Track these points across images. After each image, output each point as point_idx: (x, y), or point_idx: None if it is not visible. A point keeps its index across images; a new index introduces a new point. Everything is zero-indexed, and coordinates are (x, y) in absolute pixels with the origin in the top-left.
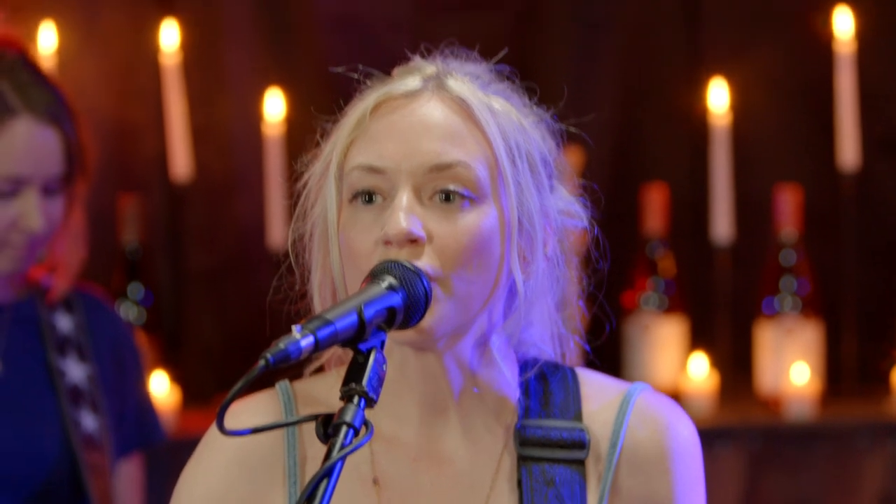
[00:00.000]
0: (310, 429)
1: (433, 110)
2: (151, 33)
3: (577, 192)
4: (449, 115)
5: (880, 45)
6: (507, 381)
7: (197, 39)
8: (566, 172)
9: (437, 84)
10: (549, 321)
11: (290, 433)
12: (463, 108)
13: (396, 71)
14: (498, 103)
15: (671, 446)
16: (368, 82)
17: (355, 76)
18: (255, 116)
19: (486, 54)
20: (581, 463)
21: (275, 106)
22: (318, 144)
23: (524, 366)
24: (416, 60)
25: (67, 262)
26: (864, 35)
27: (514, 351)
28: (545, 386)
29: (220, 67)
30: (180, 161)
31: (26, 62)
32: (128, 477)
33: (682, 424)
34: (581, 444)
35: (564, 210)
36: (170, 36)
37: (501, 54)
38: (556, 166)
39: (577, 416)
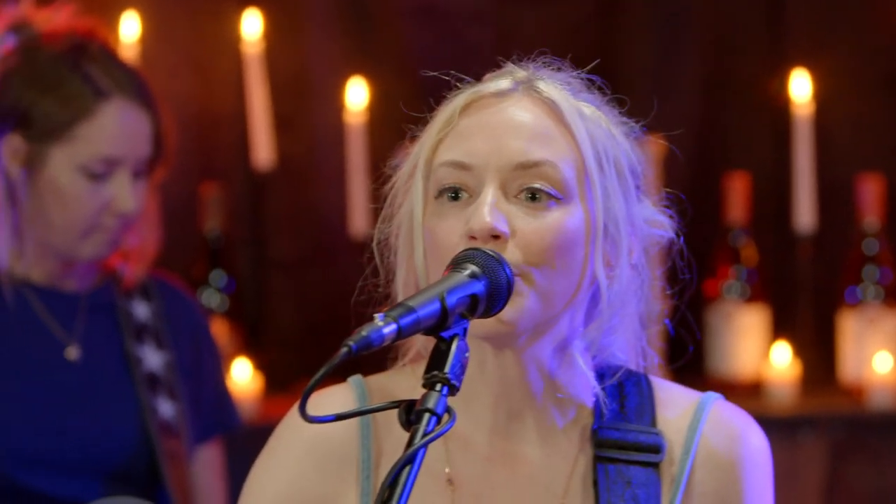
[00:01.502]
0: (384, 423)
1: (523, 110)
2: (233, 22)
3: (663, 202)
4: (538, 116)
5: None
6: (584, 385)
7: (279, 28)
8: (653, 184)
9: (528, 86)
10: (633, 332)
11: (364, 427)
12: (553, 109)
13: (488, 75)
14: (588, 109)
15: (743, 454)
16: (458, 84)
17: (441, 74)
18: (337, 105)
19: (566, 45)
20: (656, 467)
21: (357, 95)
22: (406, 146)
23: (601, 372)
24: (508, 65)
25: (142, 249)
26: None
27: (593, 357)
28: (621, 390)
29: (302, 56)
30: (262, 149)
31: (108, 48)
32: (208, 462)
33: (755, 434)
34: (657, 448)
35: (651, 220)
36: (252, 25)
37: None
38: (643, 177)
39: (653, 421)
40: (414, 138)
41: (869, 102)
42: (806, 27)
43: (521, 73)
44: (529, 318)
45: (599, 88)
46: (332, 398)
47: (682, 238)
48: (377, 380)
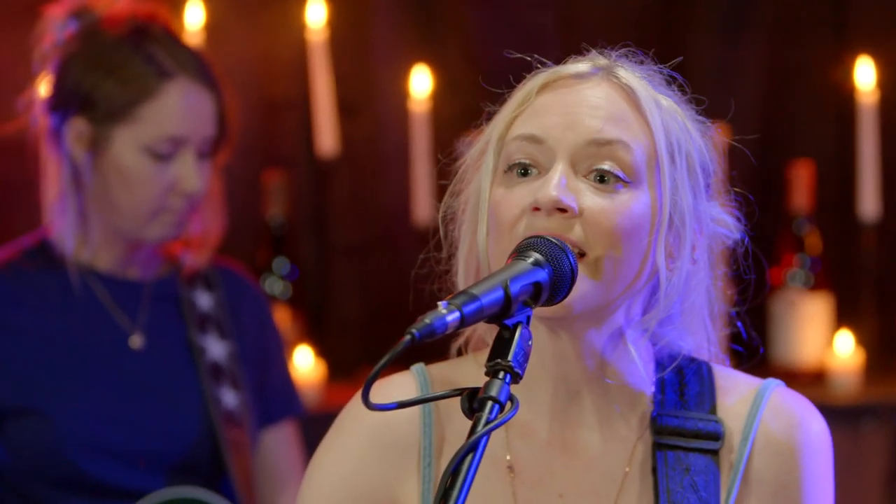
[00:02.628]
0: (446, 411)
1: (600, 92)
2: (298, 9)
3: (731, 202)
4: (615, 99)
5: None
6: (640, 373)
7: (343, 15)
8: (722, 183)
9: (608, 71)
10: (696, 326)
11: (426, 415)
12: (630, 95)
13: (570, 59)
14: (665, 101)
15: (803, 441)
16: (539, 66)
17: (504, 54)
18: (401, 93)
19: (629, 31)
20: (715, 454)
21: (421, 83)
22: (482, 124)
23: (662, 361)
24: (591, 53)
25: (205, 236)
26: None
27: (654, 346)
28: (681, 377)
29: (366, 44)
30: (326, 137)
31: (170, 31)
32: (281, 443)
33: (815, 421)
34: (716, 436)
35: (717, 219)
36: (317, 12)
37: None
38: (714, 178)
39: (713, 408)
40: (489, 117)
41: None
42: (870, 15)
43: (602, 60)
44: (587, 302)
45: (680, 87)
46: (394, 386)
47: (747, 239)
48: (439, 368)
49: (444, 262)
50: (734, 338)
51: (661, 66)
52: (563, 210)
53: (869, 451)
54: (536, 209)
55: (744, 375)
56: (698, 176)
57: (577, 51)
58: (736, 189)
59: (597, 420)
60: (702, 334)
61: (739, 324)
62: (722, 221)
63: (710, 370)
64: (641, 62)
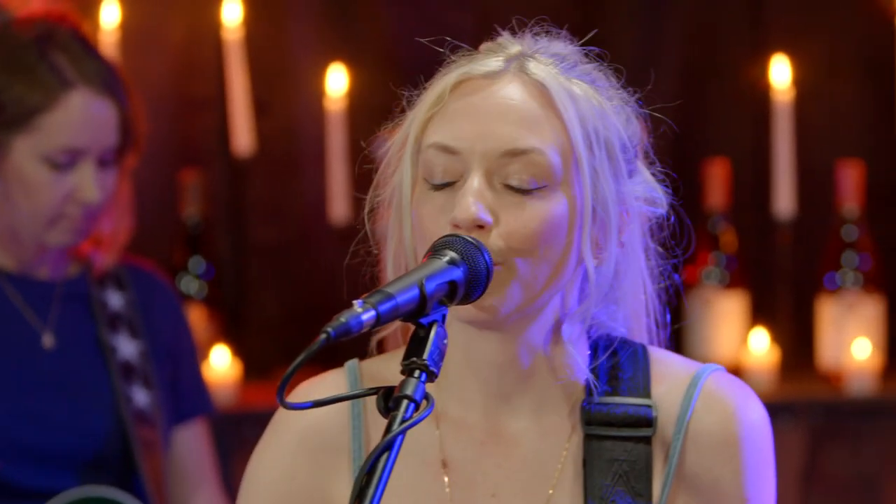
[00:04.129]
0: (376, 411)
1: (512, 93)
2: (214, 8)
3: (658, 176)
4: (527, 100)
5: None
6: (577, 364)
7: (259, 14)
8: (647, 155)
9: (519, 66)
10: (635, 305)
11: (355, 416)
12: (543, 92)
13: (483, 47)
14: (580, 87)
15: (739, 430)
16: (452, 58)
17: (421, 47)
18: (317, 91)
19: (546, 31)
20: (647, 441)
21: (337, 81)
22: (398, 119)
23: (597, 344)
24: (504, 37)
25: (114, 236)
26: None
27: (589, 329)
28: (615, 362)
29: (282, 42)
30: (242, 135)
31: (78, 36)
32: (192, 442)
33: (752, 408)
34: (647, 422)
35: (643, 196)
36: (232, 11)
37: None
38: (637, 150)
39: (646, 393)
40: (409, 100)
41: (849, 88)
42: (786, 13)
43: (514, 49)
44: (511, 304)
45: (597, 57)
46: (325, 384)
47: (672, 217)
48: (371, 364)
49: (373, 257)
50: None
51: (576, 42)
52: (480, 226)
53: (784, 448)
54: (456, 226)
55: (681, 360)
56: (618, 158)
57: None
58: (660, 170)
59: (531, 416)
60: (640, 309)
61: (670, 287)
62: (647, 198)
63: (646, 354)
64: (556, 37)
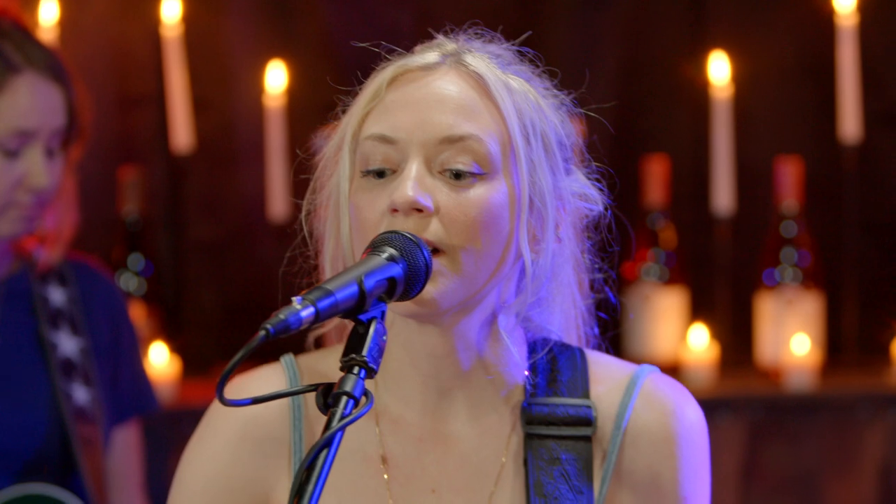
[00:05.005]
0: (316, 406)
1: (449, 83)
2: (153, 5)
3: (593, 176)
4: (464, 89)
5: (881, 18)
6: (514, 360)
7: (198, 11)
8: (582, 156)
9: (455, 59)
10: (567, 305)
11: (295, 410)
12: (479, 83)
13: (418, 48)
14: (516, 82)
15: (676, 430)
16: (388, 56)
17: (359, 48)
18: (256, 88)
19: (485, 28)
20: (587, 440)
21: (276, 78)
22: (336, 118)
23: (534, 346)
24: (439, 38)
25: (58, 232)
26: (866, 8)
27: (526, 331)
28: (553, 364)
29: (221, 39)
30: (181, 132)
31: (20, 26)
32: (124, 443)
33: (689, 408)
34: (587, 421)
35: (579, 193)
36: (171, 8)
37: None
38: (573, 150)
39: (585, 394)
40: (344, 111)
41: (788, 85)
42: (725, 10)
43: (449, 46)
44: (452, 297)
45: (531, 60)
46: (262, 379)
47: (609, 212)
48: (309, 359)
49: (312, 257)
50: (599, 305)
51: (511, 43)
52: (419, 210)
53: (723, 444)
54: (394, 210)
55: (618, 362)
56: (555, 153)
57: None
58: (598, 164)
59: (470, 414)
60: (571, 310)
61: (608, 289)
62: (584, 195)
63: (583, 357)
64: (491, 40)
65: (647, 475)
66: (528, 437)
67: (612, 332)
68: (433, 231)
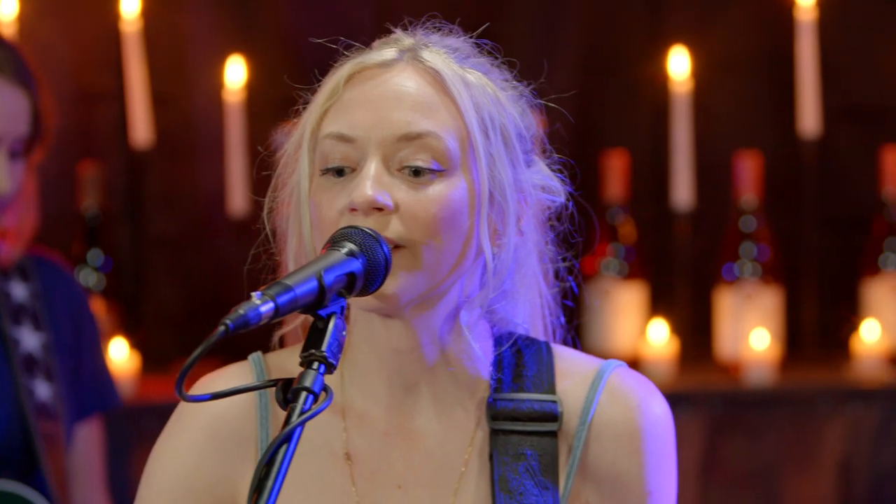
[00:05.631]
0: None
1: (406, 80)
2: (112, 1)
3: (555, 167)
4: (422, 86)
5: (840, 13)
6: (479, 355)
7: (157, 6)
8: (544, 147)
9: (412, 55)
10: (531, 298)
11: (261, 408)
12: (436, 79)
13: (375, 43)
14: (473, 76)
15: (642, 424)
16: (346, 53)
17: (318, 44)
18: (216, 84)
19: (446, 26)
20: (553, 436)
21: (236, 73)
22: (296, 114)
23: (500, 340)
24: (396, 33)
25: (20, 229)
26: (825, 2)
27: (492, 326)
28: (519, 359)
29: (180, 34)
30: (141, 128)
31: None
32: (87, 439)
33: (655, 403)
34: (553, 417)
35: (541, 185)
36: (130, 2)
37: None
38: (533, 141)
39: (550, 389)
40: (303, 108)
41: (747, 80)
42: (685, 5)
43: (407, 42)
44: (413, 291)
45: (489, 52)
46: (229, 376)
47: (572, 208)
48: (276, 357)
49: (275, 253)
50: (564, 294)
51: (469, 35)
52: (379, 209)
53: (683, 438)
54: (354, 210)
55: (584, 356)
56: (515, 147)
57: None
58: (559, 156)
59: (435, 409)
60: (537, 300)
61: (570, 279)
62: (545, 187)
63: (549, 351)
64: (449, 33)
65: (613, 470)
66: (494, 433)
67: (577, 322)
68: (393, 229)
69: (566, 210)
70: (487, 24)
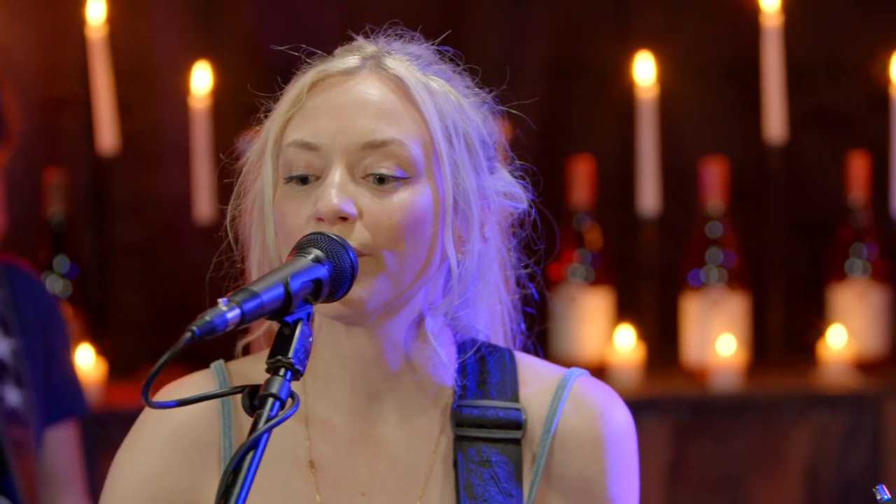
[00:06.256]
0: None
1: (369, 88)
2: (78, 7)
3: (517, 173)
4: (385, 93)
5: (806, 19)
6: (443, 362)
7: (123, 13)
8: (506, 154)
9: (376, 63)
10: (493, 305)
11: (224, 415)
12: (400, 86)
13: (338, 51)
14: (437, 83)
15: (605, 433)
16: (308, 60)
17: (283, 50)
18: (182, 90)
19: (411, 28)
20: (517, 443)
21: (202, 80)
22: (259, 122)
23: (463, 347)
24: (359, 40)
25: None
26: (791, 9)
27: (454, 333)
28: (483, 366)
29: (146, 41)
30: (106, 134)
31: None
32: (62, 444)
33: (618, 411)
34: (517, 425)
35: (504, 192)
36: (96, 9)
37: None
38: (496, 148)
39: (514, 397)
40: (266, 115)
41: (713, 86)
42: (651, 11)
43: (369, 49)
44: (379, 298)
45: (451, 59)
46: (192, 385)
47: (536, 215)
48: (239, 365)
49: (238, 261)
50: (525, 301)
51: (431, 43)
52: (344, 218)
53: (650, 445)
54: (319, 219)
55: (547, 364)
56: (478, 154)
57: None
58: (521, 162)
59: (399, 416)
60: (497, 307)
61: (531, 286)
62: (508, 193)
63: (512, 358)
64: (411, 40)
65: (577, 478)
66: (458, 439)
67: (539, 329)
68: (358, 236)
69: (529, 216)
70: (450, 31)
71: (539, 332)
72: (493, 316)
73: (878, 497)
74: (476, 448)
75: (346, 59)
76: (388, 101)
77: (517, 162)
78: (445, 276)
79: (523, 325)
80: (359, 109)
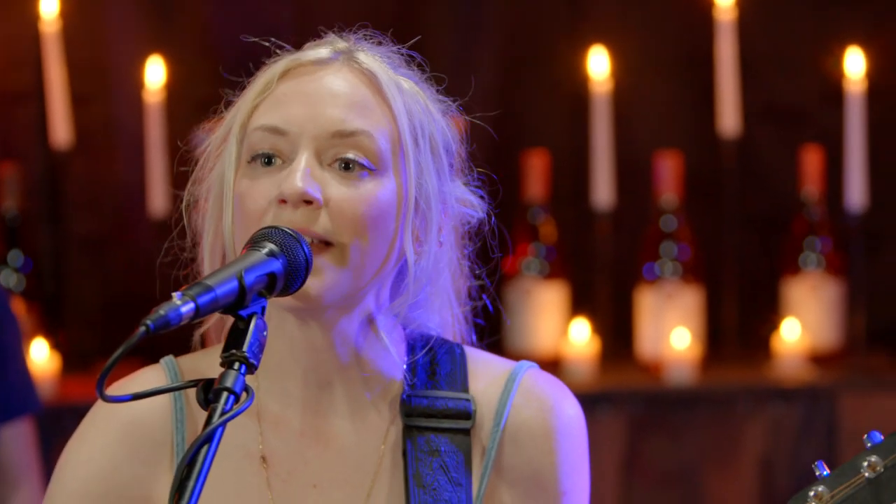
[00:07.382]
0: (199, 405)
1: (341, 79)
2: (32, 1)
3: (474, 182)
4: (356, 86)
5: (760, 12)
6: (392, 359)
7: (77, 6)
8: (465, 164)
9: (348, 56)
10: (444, 308)
11: (178, 409)
12: (371, 80)
13: (308, 44)
14: (407, 84)
15: (556, 425)
16: (279, 52)
17: (237, 42)
18: (135, 83)
19: (368, 25)
20: (466, 433)
21: (155, 73)
22: (217, 113)
23: (413, 342)
24: (330, 36)
25: None
26: (744, 4)
27: (404, 328)
28: (432, 357)
29: (100, 34)
30: (60, 128)
31: None
32: (18, 440)
33: (568, 403)
34: (466, 415)
35: (462, 199)
36: (49, 3)
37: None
38: (457, 157)
39: (464, 388)
40: (228, 105)
41: (667, 80)
42: (605, 5)
43: (341, 44)
44: (336, 292)
45: (419, 66)
46: (143, 380)
47: (493, 219)
48: (190, 359)
49: (189, 250)
50: (476, 312)
51: (400, 47)
52: (308, 202)
53: (604, 437)
54: (283, 201)
55: (496, 358)
56: (442, 157)
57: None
58: (479, 169)
59: (349, 409)
60: (447, 312)
61: (485, 297)
62: (466, 201)
63: (462, 352)
64: (380, 43)
65: (527, 470)
66: (408, 429)
67: (489, 340)
68: (321, 224)
69: (486, 225)
70: (404, 25)
71: (494, 326)
72: (444, 322)
73: (818, 473)
74: (425, 438)
75: (319, 51)
76: (359, 94)
77: (476, 172)
78: (396, 276)
79: (474, 337)
80: (330, 98)
